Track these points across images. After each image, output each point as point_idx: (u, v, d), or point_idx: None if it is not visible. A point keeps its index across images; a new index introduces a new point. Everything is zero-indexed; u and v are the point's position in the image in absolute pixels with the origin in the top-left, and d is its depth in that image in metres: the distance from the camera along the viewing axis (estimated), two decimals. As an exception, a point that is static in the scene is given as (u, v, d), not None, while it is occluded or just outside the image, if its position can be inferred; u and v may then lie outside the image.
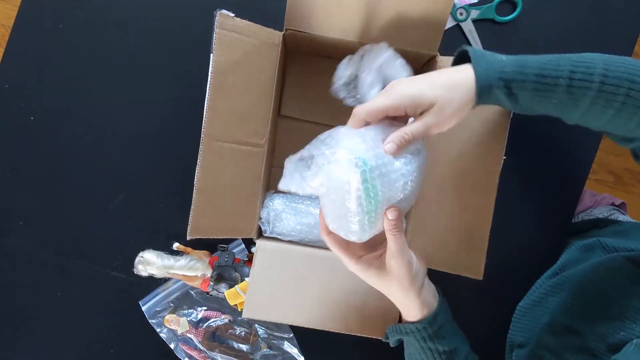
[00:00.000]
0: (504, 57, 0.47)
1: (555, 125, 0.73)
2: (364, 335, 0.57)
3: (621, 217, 0.81)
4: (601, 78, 0.43)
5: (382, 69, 0.50)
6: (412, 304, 0.50)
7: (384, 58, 0.50)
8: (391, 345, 0.57)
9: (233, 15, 0.54)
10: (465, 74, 0.46)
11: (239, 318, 0.72)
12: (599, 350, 0.51)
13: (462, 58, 0.50)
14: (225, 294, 0.64)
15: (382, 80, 0.50)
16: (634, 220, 0.80)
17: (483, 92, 0.45)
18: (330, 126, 0.70)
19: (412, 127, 0.45)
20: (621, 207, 0.88)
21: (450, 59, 0.58)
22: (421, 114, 0.46)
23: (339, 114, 0.69)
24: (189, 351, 0.71)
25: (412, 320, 0.52)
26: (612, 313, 0.51)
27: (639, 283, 0.52)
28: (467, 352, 0.55)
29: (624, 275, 0.54)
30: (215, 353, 0.71)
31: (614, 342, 0.49)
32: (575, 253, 0.70)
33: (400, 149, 0.44)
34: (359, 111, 0.46)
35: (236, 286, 0.63)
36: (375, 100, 0.46)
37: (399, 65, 0.50)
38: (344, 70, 0.53)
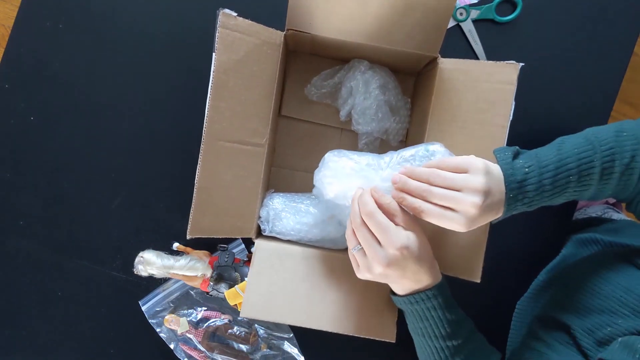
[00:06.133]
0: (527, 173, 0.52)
1: (554, 125, 0.73)
2: (360, 336, 0.57)
3: (615, 215, 0.82)
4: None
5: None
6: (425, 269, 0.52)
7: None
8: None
9: (235, 14, 0.54)
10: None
11: (239, 318, 0.72)
12: (587, 345, 0.51)
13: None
14: (225, 294, 0.64)
15: None
16: (628, 218, 0.80)
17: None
18: (329, 127, 0.72)
19: None
20: (615, 205, 0.88)
21: (451, 60, 0.58)
22: None
23: (337, 115, 0.69)
24: (188, 351, 0.71)
25: (419, 288, 0.52)
26: (600, 307, 0.52)
27: (626, 276, 0.53)
28: (472, 327, 0.55)
29: (613, 269, 0.55)
30: (215, 353, 0.71)
31: (601, 336, 0.50)
32: (571, 248, 0.70)
33: None
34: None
35: (236, 286, 0.63)
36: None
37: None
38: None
